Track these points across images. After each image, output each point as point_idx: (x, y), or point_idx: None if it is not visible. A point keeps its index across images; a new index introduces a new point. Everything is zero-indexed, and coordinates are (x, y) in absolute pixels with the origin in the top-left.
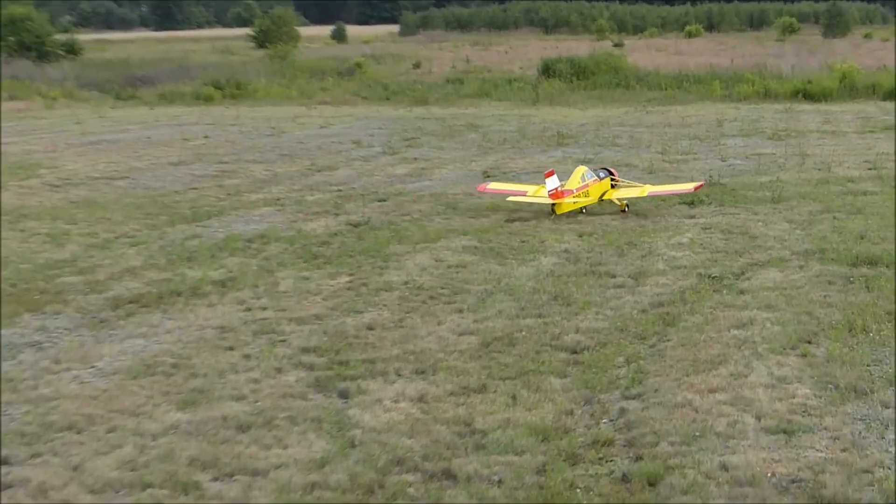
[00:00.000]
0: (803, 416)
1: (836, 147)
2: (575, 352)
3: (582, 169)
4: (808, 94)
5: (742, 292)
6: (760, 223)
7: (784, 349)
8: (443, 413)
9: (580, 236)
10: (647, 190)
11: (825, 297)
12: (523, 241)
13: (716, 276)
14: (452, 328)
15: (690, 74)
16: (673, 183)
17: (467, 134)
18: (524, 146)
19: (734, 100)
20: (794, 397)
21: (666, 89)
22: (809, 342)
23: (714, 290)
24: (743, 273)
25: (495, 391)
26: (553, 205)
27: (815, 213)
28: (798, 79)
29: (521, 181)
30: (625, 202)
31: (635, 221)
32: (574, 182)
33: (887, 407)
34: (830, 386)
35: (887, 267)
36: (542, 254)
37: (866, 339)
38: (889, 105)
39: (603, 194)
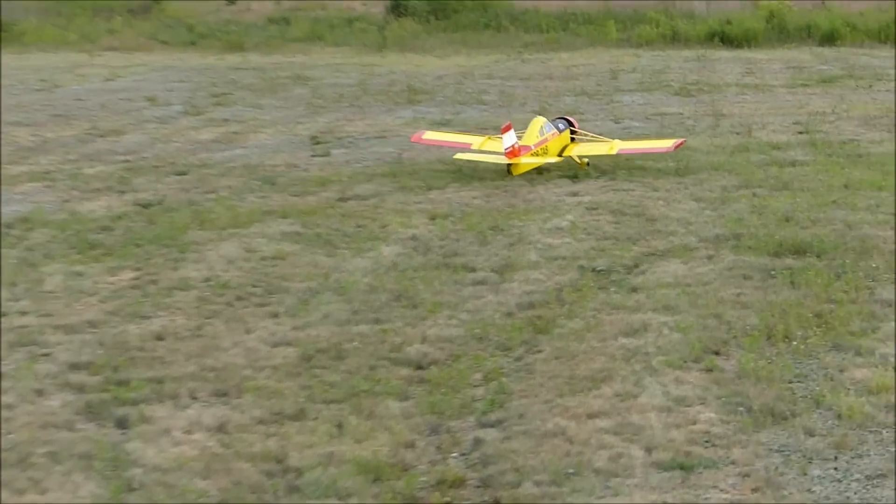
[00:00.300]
0: (705, 448)
1: (759, 105)
2: (420, 367)
3: (540, 120)
4: (726, 38)
5: (635, 290)
6: (661, 202)
7: (685, 362)
8: (248, 446)
9: (432, 219)
10: (616, 146)
11: (739, 295)
12: (360, 227)
13: (602, 270)
14: (265, 338)
15: (579, 13)
16: (645, 139)
17: (293, 89)
18: (365, 104)
19: (633, 45)
20: (694, 423)
21: (548, 31)
22: (717, 353)
23: (599, 288)
24: (636, 266)
25: (316, 418)
26: (509, 165)
27: (729, 188)
28: (714, 18)
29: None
30: (586, 160)
31: (503, 199)
32: (531, 136)
33: (812, 434)
34: (741, 409)
35: (818, 257)
36: (383, 242)
37: (788, 348)
38: (827, 52)
39: (563, 150)
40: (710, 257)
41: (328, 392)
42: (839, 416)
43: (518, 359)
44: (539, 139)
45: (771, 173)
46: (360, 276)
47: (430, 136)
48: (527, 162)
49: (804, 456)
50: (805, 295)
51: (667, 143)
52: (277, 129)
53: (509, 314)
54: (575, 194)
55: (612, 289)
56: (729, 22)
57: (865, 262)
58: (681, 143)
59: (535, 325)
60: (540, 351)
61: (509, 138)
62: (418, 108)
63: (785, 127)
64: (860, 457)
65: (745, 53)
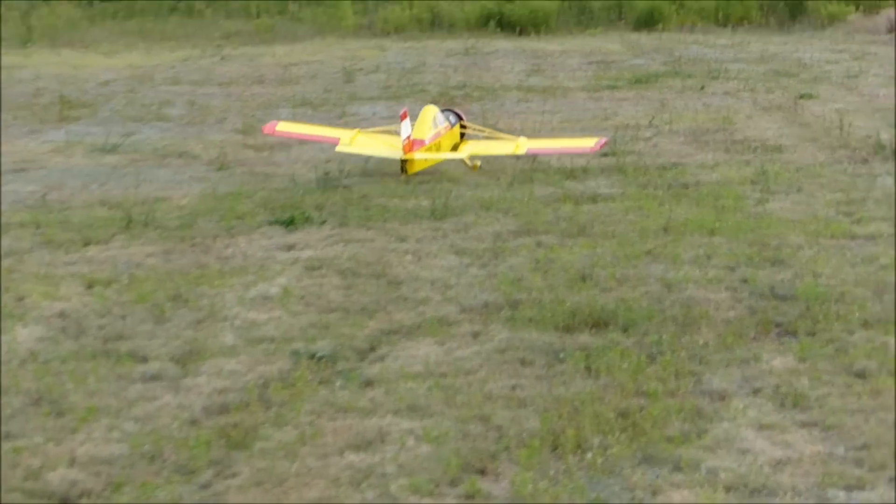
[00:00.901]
0: None
1: (549, 116)
2: (66, 501)
3: (432, 110)
4: (505, 22)
5: (369, 384)
6: (409, 257)
7: (437, 486)
8: None
9: (89, 287)
10: (523, 146)
11: (514, 388)
12: None
13: (325, 357)
14: None
15: None
16: (551, 137)
17: None
18: None
19: (378, 33)
20: None
21: (258, 16)
22: (482, 472)
23: (320, 382)
24: (373, 349)
25: None
26: (404, 161)
27: (505, 235)
28: None
29: None
30: (478, 162)
31: (189, 256)
32: (424, 128)
33: None
34: None
35: (625, 331)
36: (19, 321)
37: (581, 462)
38: (645, 40)
39: (455, 147)
40: (475, 335)
41: None
42: None
43: (205, 486)
44: (433, 132)
45: (563, 213)
46: None
47: (287, 127)
48: (422, 157)
49: None
50: (605, 386)
51: (587, 142)
52: None
53: (193, 422)
54: (290, 247)
55: (339, 383)
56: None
57: (690, 337)
58: (604, 144)
59: (230, 438)
60: (235, 474)
61: (406, 128)
62: (73, 127)
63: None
64: None
65: (531, 43)
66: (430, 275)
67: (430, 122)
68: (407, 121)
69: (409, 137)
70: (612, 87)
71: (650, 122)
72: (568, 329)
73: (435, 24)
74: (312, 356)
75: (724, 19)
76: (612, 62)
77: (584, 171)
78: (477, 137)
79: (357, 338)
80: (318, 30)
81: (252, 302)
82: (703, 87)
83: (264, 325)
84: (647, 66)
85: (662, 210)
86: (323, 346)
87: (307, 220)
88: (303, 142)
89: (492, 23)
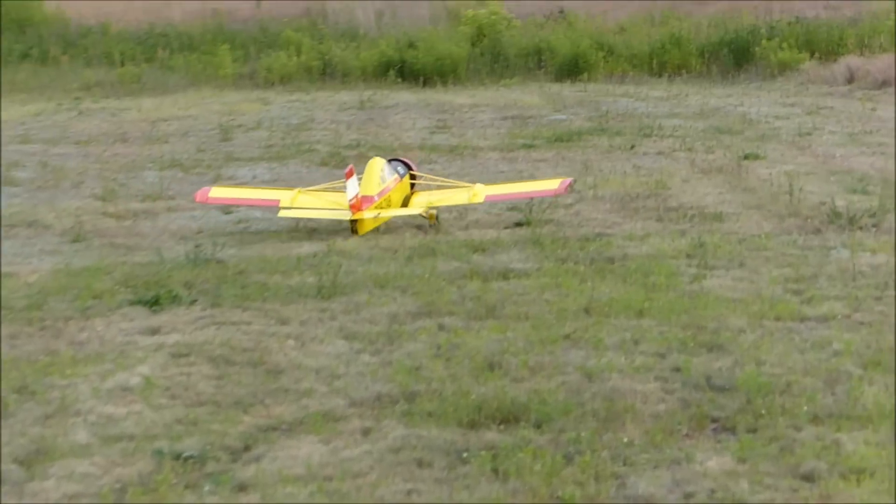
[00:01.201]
0: None
1: (456, 180)
2: None
3: (378, 163)
4: (407, 71)
5: (243, 488)
6: (291, 342)
7: None
8: None
9: None
10: (481, 193)
11: (410, 493)
12: None
13: (193, 457)
14: None
15: (173, 32)
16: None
17: None
18: None
19: (260, 84)
20: None
21: (122, 64)
22: None
23: (187, 486)
24: (247, 448)
25: None
26: (353, 221)
27: (402, 317)
28: (389, 39)
29: None
30: (434, 212)
31: (38, 341)
32: (372, 184)
33: None
34: None
35: (538, 428)
36: None
37: None
38: (567, 91)
39: (406, 199)
40: (365, 432)
41: None
42: None
43: None
44: (381, 187)
45: (469, 292)
46: None
47: (220, 193)
48: (373, 216)
49: None
50: (515, 491)
51: (551, 185)
52: None
53: None
54: (155, 331)
55: (207, 487)
56: (412, 45)
57: (613, 434)
58: (569, 185)
59: None
60: None
61: (353, 186)
62: None
63: (494, 215)
64: None
65: (436, 95)
66: (314, 363)
67: (378, 176)
68: (354, 178)
69: (356, 196)
70: (529, 147)
71: (573, 186)
72: (473, 425)
73: (326, 73)
74: (178, 456)
75: (659, 68)
76: (530, 117)
77: (495, 243)
78: (429, 187)
79: (229, 435)
80: (191, 80)
81: (109, 394)
82: (633, 147)
83: (123, 421)
84: (570, 122)
85: (584, 288)
86: (190, 444)
87: (174, 299)
88: (238, 206)
89: (391, 72)
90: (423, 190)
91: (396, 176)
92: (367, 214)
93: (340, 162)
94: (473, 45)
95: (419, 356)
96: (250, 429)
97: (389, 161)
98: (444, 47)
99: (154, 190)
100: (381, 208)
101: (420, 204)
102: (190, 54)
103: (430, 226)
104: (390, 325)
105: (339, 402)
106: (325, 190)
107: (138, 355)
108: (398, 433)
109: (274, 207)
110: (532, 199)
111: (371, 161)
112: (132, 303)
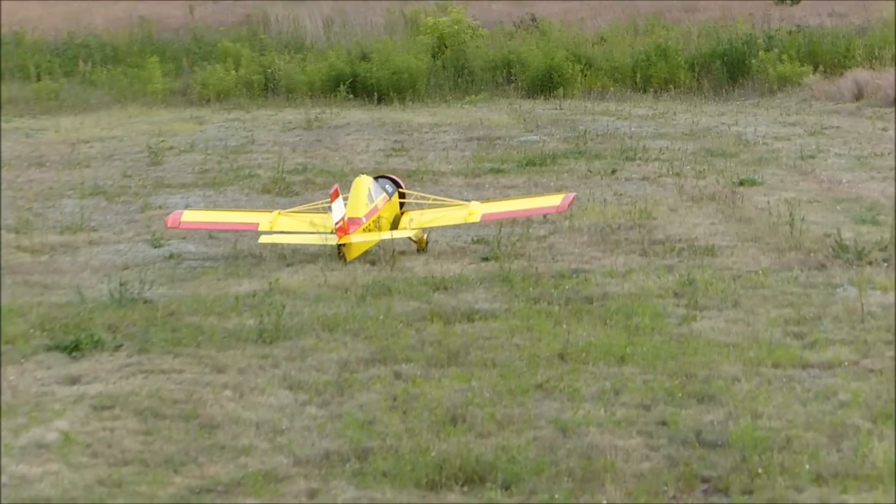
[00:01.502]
0: None
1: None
2: None
3: (365, 181)
4: (360, 87)
5: None
6: (228, 391)
7: None
8: None
9: None
10: (477, 212)
11: None
12: None
13: None
14: None
15: (95, 42)
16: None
17: None
18: None
19: (194, 102)
20: None
21: (38, 78)
22: None
23: None
24: None
25: None
26: (340, 245)
27: (353, 364)
28: (340, 48)
29: None
30: (425, 236)
31: None
32: (359, 205)
33: None
34: None
35: (506, 489)
36: None
37: None
38: (540, 109)
39: (396, 221)
40: (312, 494)
41: None
42: None
43: None
44: (369, 207)
45: (429, 336)
46: None
47: (193, 216)
48: (360, 241)
49: None
50: None
51: (552, 200)
52: None
53: None
54: (74, 381)
55: None
56: (365, 57)
57: (591, 496)
58: (572, 200)
59: None
60: None
61: (339, 208)
62: None
63: (459, 248)
64: None
65: (393, 113)
66: (255, 416)
67: (365, 196)
68: (339, 199)
69: (343, 218)
70: (497, 171)
71: (544, 216)
72: (433, 486)
73: (268, 88)
74: None
75: (644, 83)
76: (498, 138)
77: (458, 280)
78: (420, 206)
79: (158, 498)
80: (116, 96)
81: (22, 452)
82: (614, 171)
83: (37, 483)
84: (543, 144)
85: (558, 331)
86: None
87: (97, 344)
88: (215, 232)
89: (342, 87)
90: (414, 209)
91: (385, 195)
92: (356, 238)
93: (284, 189)
94: (434, 56)
95: (372, 408)
96: (182, 491)
97: (376, 179)
98: (402, 59)
99: (74, 221)
100: (371, 230)
101: (411, 225)
102: (115, 67)
103: (419, 250)
104: (340, 374)
105: (283, 460)
106: (307, 210)
107: (56, 408)
108: (348, 495)
109: (253, 232)
110: (531, 216)
111: (357, 179)
112: (49, 348)
